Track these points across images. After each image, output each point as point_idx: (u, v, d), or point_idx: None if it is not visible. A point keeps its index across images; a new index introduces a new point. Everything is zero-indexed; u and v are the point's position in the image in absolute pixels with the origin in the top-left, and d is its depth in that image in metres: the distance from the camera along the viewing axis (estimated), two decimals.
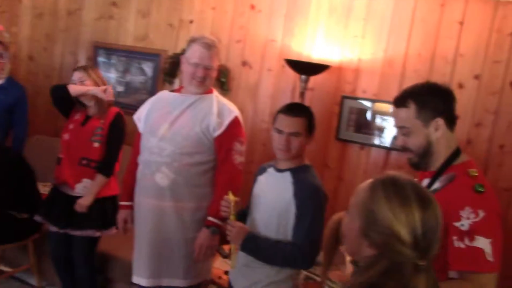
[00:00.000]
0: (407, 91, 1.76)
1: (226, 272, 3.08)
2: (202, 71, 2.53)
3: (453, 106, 1.74)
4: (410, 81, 3.23)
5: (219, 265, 3.23)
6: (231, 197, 2.19)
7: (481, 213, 1.54)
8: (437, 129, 1.70)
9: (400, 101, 1.74)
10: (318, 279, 3.24)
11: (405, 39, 3.31)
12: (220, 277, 3.14)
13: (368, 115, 3.44)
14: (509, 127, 3.04)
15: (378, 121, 3.41)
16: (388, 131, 3.37)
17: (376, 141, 3.43)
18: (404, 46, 3.31)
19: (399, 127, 1.76)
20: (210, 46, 2.55)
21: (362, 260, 1.21)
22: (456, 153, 1.73)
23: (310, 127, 2.19)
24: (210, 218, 2.52)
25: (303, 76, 3.37)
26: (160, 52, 4.15)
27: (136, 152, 2.72)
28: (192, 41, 2.60)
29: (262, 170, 2.36)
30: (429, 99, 1.70)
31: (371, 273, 1.11)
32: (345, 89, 3.52)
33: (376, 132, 3.42)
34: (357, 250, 1.22)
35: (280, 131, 2.15)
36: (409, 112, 1.71)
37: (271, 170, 2.29)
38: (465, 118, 3.12)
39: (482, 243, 1.52)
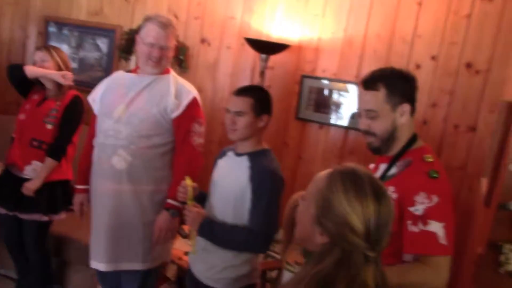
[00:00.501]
0: (377, 74, 1.73)
1: (186, 253, 3.07)
2: (157, 51, 2.47)
3: (416, 93, 1.75)
4: (370, 61, 3.29)
5: (179, 245, 3.22)
6: (188, 182, 2.17)
7: (435, 198, 1.57)
8: (403, 115, 1.71)
9: (370, 84, 1.71)
10: (278, 256, 3.29)
11: (365, 19, 3.31)
12: (180, 258, 3.13)
13: (328, 95, 3.45)
14: (464, 108, 3.11)
15: (337, 100, 3.42)
16: (346, 110, 3.40)
17: (335, 121, 3.45)
18: (363, 26, 3.32)
19: (366, 110, 1.73)
20: (165, 26, 2.49)
21: (313, 247, 1.22)
22: (413, 139, 1.75)
23: (259, 107, 2.16)
24: (169, 201, 2.48)
25: (263, 55, 3.34)
26: (115, 28, 4.02)
27: (91, 134, 2.64)
28: (147, 20, 2.53)
29: (222, 154, 2.35)
30: (399, 84, 1.70)
31: (324, 263, 1.13)
32: (305, 68, 3.51)
33: (335, 112, 3.44)
34: (308, 237, 1.22)
35: (228, 110, 2.18)
36: (379, 95, 1.69)
37: (230, 154, 2.28)
38: (422, 99, 3.17)
39: (436, 227, 1.55)
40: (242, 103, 2.15)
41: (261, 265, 2.77)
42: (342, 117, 3.42)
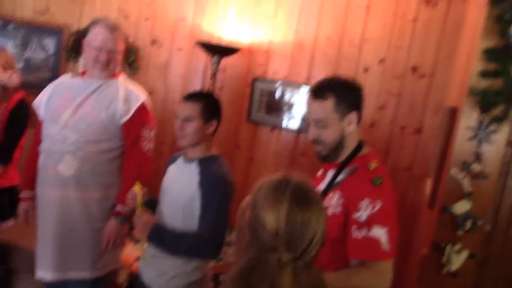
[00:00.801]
0: (325, 83, 1.75)
1: (137, 259, 3.04)
2: (105, 55, 2.43)
3: (362, 101, 1.78)
4: (320, 64, 3.33)
5: (130, 251, 3.18)
6: (137, 188, 2.15)
7: (378, 204, 1.61)
8: (350, 124, 1.74)
9: (319, 93, 1.73)
10: (231, 258, 3.29)
11: (315, 21, 3.35)
12: (131, 264, 3.09)
13: (279, 97, 3.48)
14: (410, 110, 3.20)
15: (289, 103, 3.45)
16: (298, 113, 3.43)
17: (286, 123, 3.48)
18: (314, 28, 3.36)
19: (315, 119, 1.74)
20: (113, 29, 2.45)
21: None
22: (359, 146, 1.79)
23: (208, 113, 2.16)
24: (118, 208, 2.46)
25: (214, 58, 3.33)
26: (62, 28, 3.91)
27: (37, 140, 2.58)
28: (94, 23, 2.49)
29: (173, 160, 2.33)
30: (347, 94, 1.73)
31: (242, 260, 1.17)
32: (256, 71, 3.52)
33: (287, 114, 3.47)
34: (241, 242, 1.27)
35: (177, 116, 2.17)
36: (328, 104, 1.71)
37: (180, 160, 2.27)
38: (370, 101, 3.25)
39: (379, 232, 1.59)
40: (191, 109, 2.14)
41: (214, 268, 2.78)
42: (293, 120, 3.46)
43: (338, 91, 1.72)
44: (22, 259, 3.14)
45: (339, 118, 1.72)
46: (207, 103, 2.19)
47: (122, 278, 3.21)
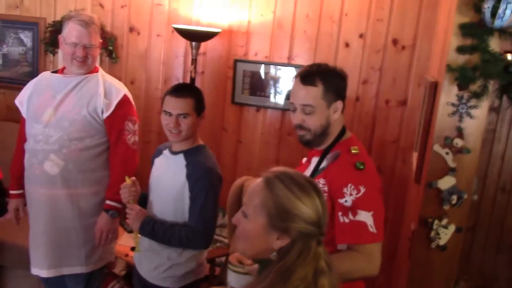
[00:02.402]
0: (314, 69, 1.74)
1: (133, 248, 3.05)
2: (81, 51, 2.41)
3: (346, 91, 1.79)
4: (300, 42, 3.31)
5: (124, 241, 3.20)
6: (128, 181, 2.16)
7: (362, 189, 1.63)
8: (336, 111, 1.75)
9: (308, 79, 1.72)
10: (226, 240, 3.33)
11: (293, 0, 3.31)
12: (126, 254, 3.12)
13: (262, 78, 3.46)
14: (393, 83, 3.19)
15: (272, 82, 3.44)
16: (282, 92, 3.42)
17: (271, 103, 3.47)
18: (292, 7, 3.32)
19: (303, 105, 1.73)
20: (87, 23, 2.41)
21: (267, 255, 1.28)
22: (342, 131, 1.80)
23: (199, 107, 2.16)
24: (108, 202, 2.47)
25: (194, 43, 3.29)
26: (38, 20, 3.84)
27: (21, 138, 2.58)
28: (68, 19, 2.45)
29: (158, 153, 2.33)
30: (335, 81, 1.73)
31: (287, 258, 1.20)
32: (237, 52, 3.49)
33: (271, 94, 3.46)
34: (263, 249, 1.27)
35: (169, 113, 2.12)
36: (317, 91, 1.71)
37: (166, 152, 2.27)
38: (353, 76, 3.23)
39: (365, 216, 1.62)
40: (185, 105, 2.11)
41: (210, 253, 2.82)
42: (278, 99, 3.45)
43: (327, 79, 1.72)
44: (13, 256, 3.14)
45: (326, 106, 1.73)
46: (198, 97, 2.18)
47: (119, 268, 3.24)
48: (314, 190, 1.23)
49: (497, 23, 1.62)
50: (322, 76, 1.71)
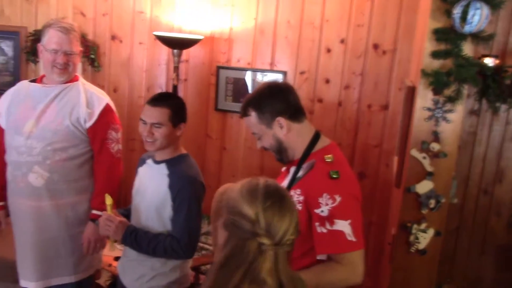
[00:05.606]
0: (247, 100, 1.82)
1: (116, 258, 3.04)
2: (62, 57, 2.38)
3: (292, 100, 1.80)
4: (282, 48, 3.32)
5: (108, 251, 3.17)
6: (107, 201, 2.14)
7: (338, 198, 1.63)
8: (282, 127, 1.77)
9: (243, 111, 1.82)
10: (211, 248, 3.32)
11: (274, 6, 3.32)
12: (110, 265, 3.10)
13: (244, 84, 3.46)
14: (375, 88, 3.21)
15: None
16: None
17: None
18: (273, 13, 3.33)
19: (252, 133, 1.85)
20: (68, 30, 2.40)
21: None
22: (314, 140, 1.80)
23: (176, 117, 2.13)
24: (94, 211, 2.45)
25: (175, 50, 3.29)
26: (19, 30, 3.81)
27: (0, 150, 2.53)
28: (48, 26, 2.43)
29: (142, 162, 2.31)
30: (265, 104, 1.77)
31: (223, 252, 1.20)
32: (219, 59, 3.50)
33: None
34: (219, 244, 1.27)
35: (144, 121, 2.11)
36: (252, 119, 1.79)
37: (149, 162, 2.25)
38: (335, 82, 3.26)
39: (342, 225, 1.61)
40: (159, 114, 2.09)
41: (195, 260, 2.80)
42: None
43: (256, 105, 1.79)
44: None
45: (266, 128, 1.79)
46: (175, 107, 2.14)
47: (104, 278, 3.22)
48: (266, 197, 1.21)
49: (467, 28, 1.63)
50: (252, 105, 1.80)
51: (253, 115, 1.78)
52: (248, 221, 1.18)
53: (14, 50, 3.86)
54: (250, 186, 1.24)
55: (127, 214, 2.29)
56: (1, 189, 2.53)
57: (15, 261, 2.58)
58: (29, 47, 3.77)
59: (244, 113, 1.82)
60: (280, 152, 1.82)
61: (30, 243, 2.46)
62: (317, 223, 1.64)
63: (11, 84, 2.73)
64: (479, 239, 3.05)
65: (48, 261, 2.48)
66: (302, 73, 3.33)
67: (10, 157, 2.44)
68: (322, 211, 1.62)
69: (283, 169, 1.96)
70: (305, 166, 1.75)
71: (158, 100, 2.13)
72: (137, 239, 2.11)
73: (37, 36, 3.64)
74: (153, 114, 2.09)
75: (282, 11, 3.31)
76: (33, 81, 2.55)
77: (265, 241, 1.17)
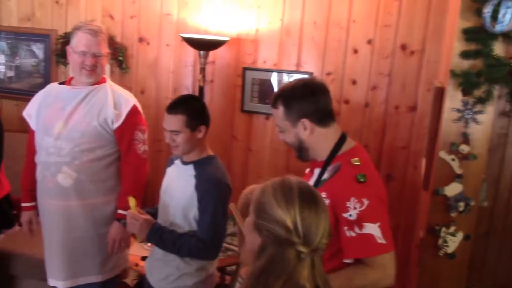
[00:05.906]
0: (279, 92, 1.82)
1: (143, 258, 3.07)
2: (91, 59, 2.43)
3: (322, 104, 1.77)
4: (308, 49, 3.31)
5: (135, 251, 3.21)
6: (131, 202, 2.17)
7: (366, 202, 1.61)
8: (306, 129, 1.75)
9: (272, 102, 1.81)
10: (237, 249, 3.32)
11: (300, 7, 3.30)
12: (137, 264, 3.13)
13: (270, 85, 3.45)
14: (403, 88, 3.16)
15: None
16: None
17: None
18: (299, 14, 3.31)
19: (276, 124, 1.84)
20: (96, 32, 2.44)
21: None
22: (340, 143, 1.77)
23: (193, 122, 2.14)
24: (120, 211, 2.48)
25: (202, 52, 3.30)
26: (49, 32, 3.89)
27: (31, 150, 2.60)
28: (76, 29, 2.48)
29: (170, 162, 2.36)
30: (294, 103, 1.75)
31: (259, 261, 1.20)
32: (245, 61, 3.49)
33: None
34: (251, 248, 1.26)
35: (165, 129, 2.16)
36: (279, 113, 1.78)
37: (177, 162, 2.29)
38: (362, 82, 3.22)
39: (371, 228, 1.60)
40: (175, 122, 2.12)
41: (220, 261, 2.82)
42: None
43: (286, 100, 1.77)
44: (24, 266, 3.16)
45: (291, 125, 1.77)
46: (191, 111, 2.15)
47: (132, 277, 3.26)
48: (301, 200, 1.20)
49: (498, 27, 1.60)
50: (282, 99, 1.78)
51: (280, 109, 1.77)
52: (285, 229, 1.18)
53: (44, 52, 3.94)
54: (284, 188, 1.23)
55: (154, 213, 2.32)
56: (32, 189, 2.58)
57: (44, 260, 2.64)
58: (59, 49, 3.84)
59: (273, 104, 1.81)
60: (301, 151, 1.82)
61: (58, 242, 2.51)
62: (345, 227, 1.62)
63: (42, 86, 2.80)
64: (510, 243, 2.98)
65: (75, 261, 2.52)
66: (328, 74, 3.31)
67: (40, 157, 2.50)
68: (350, 215, 1.61)
69: (307, 170, 1.95)
70: (330, 168, 1.74)
71: (173, 107, 2.16)
72: (162, 237, 2.14)
73: (66, 39, 3.70)
74: (170, 122, 2.14)
75: (308, 11, 3.29)
76: (62, 83, 2.61)
77: (303, 249, 1.18)
